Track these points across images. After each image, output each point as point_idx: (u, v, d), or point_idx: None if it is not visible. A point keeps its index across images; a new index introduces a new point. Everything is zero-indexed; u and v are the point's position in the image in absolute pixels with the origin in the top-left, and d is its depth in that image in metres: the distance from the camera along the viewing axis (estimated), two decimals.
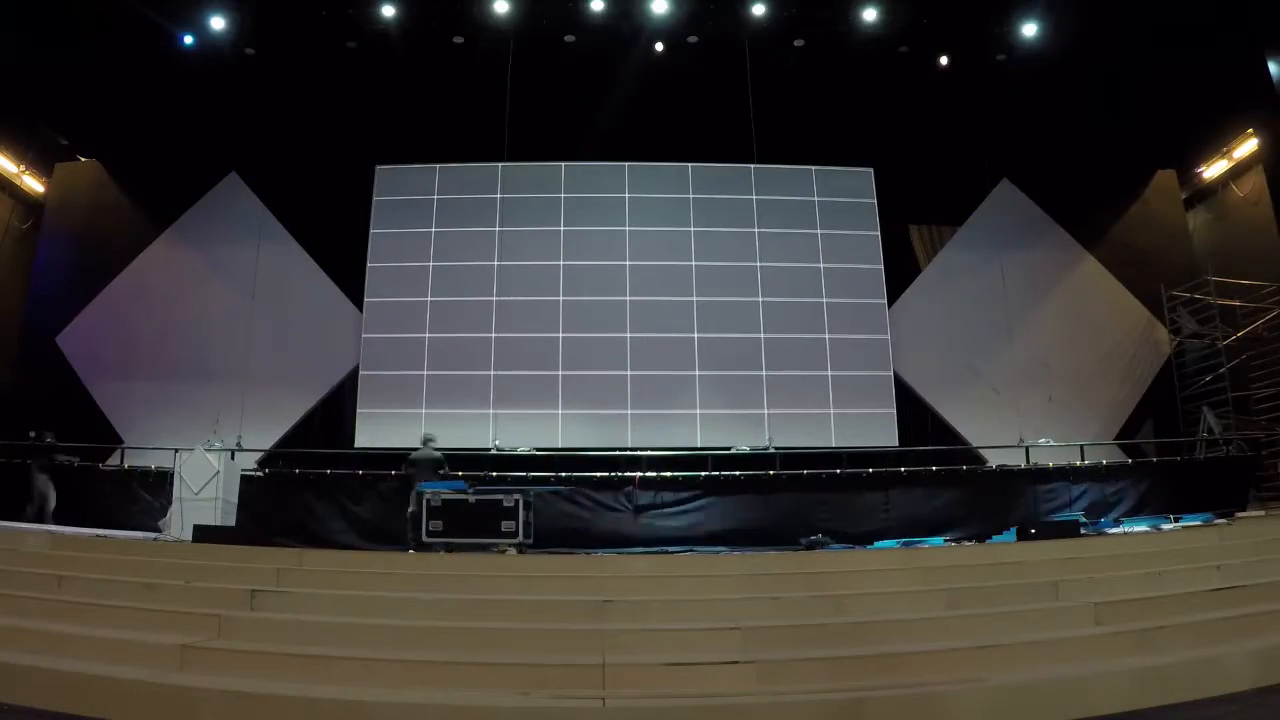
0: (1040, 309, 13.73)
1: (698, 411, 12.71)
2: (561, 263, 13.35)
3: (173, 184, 13.68)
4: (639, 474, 10.33)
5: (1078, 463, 10.91)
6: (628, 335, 12.98)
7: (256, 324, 13.12)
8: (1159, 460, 11.51)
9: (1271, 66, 11.20)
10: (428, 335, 12.92)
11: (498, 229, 13.48)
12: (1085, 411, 12.88)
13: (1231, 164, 13.45)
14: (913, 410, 13.18)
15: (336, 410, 13.15)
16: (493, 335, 12.90)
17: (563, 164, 13.81)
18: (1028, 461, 11.16)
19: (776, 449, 11.65)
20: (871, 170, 13.87)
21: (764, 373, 12.89)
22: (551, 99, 13.17)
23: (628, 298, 13.13)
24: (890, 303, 13.45)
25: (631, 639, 4.74)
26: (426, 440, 9.85)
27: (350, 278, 13.33)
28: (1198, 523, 8.73)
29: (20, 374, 12.98)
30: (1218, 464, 11.07)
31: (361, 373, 12.83)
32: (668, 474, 10.38)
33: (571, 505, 10.00)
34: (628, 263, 13.38)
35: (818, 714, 3.90)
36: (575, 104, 13.34)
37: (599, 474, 10.34)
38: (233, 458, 9.82)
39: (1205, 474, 10.76)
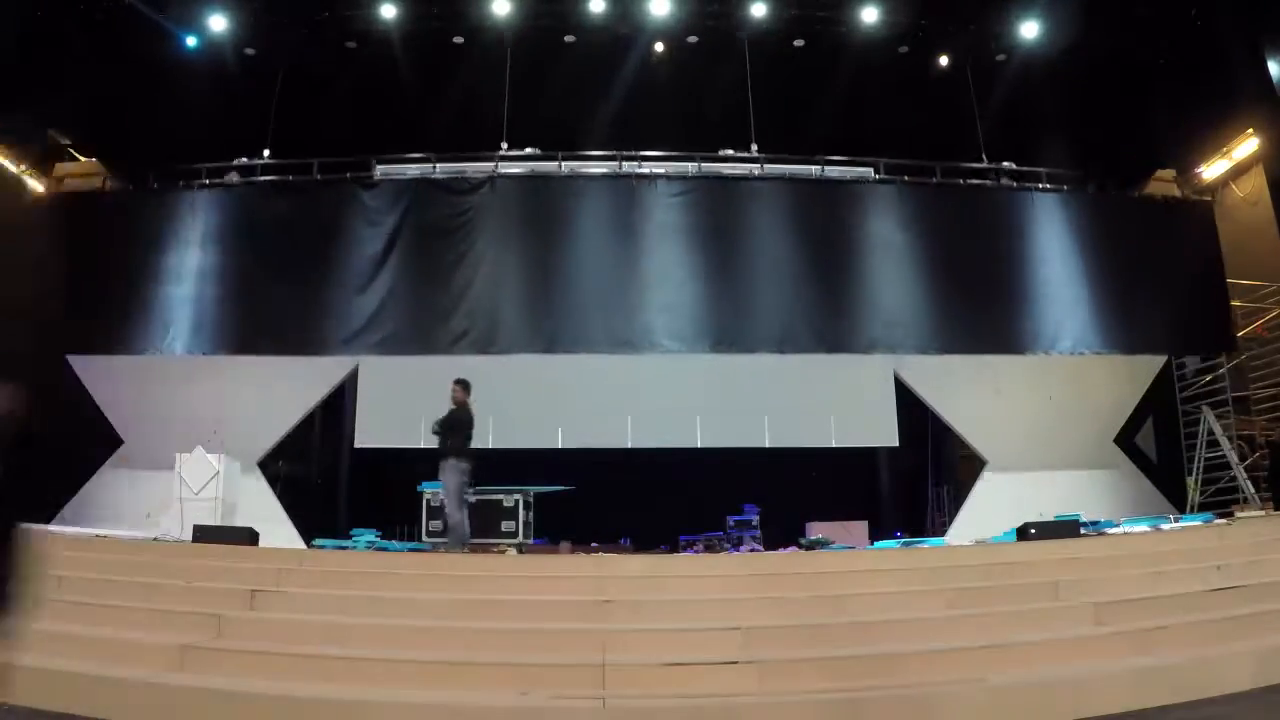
0: None
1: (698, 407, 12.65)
2: None
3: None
4: None
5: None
6: None
7: None
8: None
9: (1271, 66, 11.18)
10: None
11: None
12: (1085, 411, 12.84)
13: (1232, 164, 13.40)
14: (913, 411, 13.14)
15: (337, 410, 13.13)
16: None
17: (563, 164, 13.73)
18: None
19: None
20: (871, 170, 13.82)
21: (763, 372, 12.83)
22: (551, 99, 13.14)
23: None
24: None
25: (631, 639, 4.75)
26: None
27: None
28: (1198, 523, 8.75)
29: None
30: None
31: (362, 372, 12.79)
32: None
33: None
34: None
35: (818, 714, 3.91)
36: (575, 104, 13.31)
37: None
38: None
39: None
